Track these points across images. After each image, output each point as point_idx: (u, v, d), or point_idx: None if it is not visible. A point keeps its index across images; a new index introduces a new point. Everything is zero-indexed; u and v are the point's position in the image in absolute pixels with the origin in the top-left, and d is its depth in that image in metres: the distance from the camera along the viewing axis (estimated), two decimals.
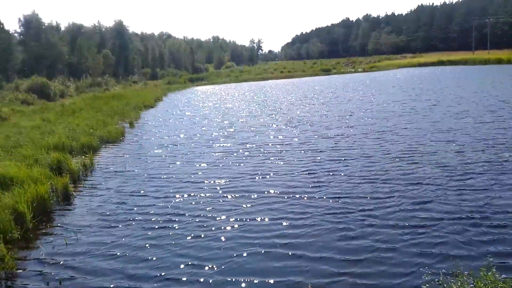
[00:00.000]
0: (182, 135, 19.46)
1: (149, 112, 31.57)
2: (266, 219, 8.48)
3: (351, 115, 22.20)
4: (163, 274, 6.49)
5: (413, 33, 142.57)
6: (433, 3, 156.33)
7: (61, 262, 7.20)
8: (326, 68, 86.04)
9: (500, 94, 27.36)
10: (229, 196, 10.00)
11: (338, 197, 9.44)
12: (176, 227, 8.29)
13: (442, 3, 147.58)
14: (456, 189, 9.49)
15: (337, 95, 34.87)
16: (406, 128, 17.46)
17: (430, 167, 11.37)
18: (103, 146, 17.67)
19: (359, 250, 6.90)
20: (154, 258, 7.03)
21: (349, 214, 8.41)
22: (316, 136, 16.95)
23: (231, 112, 27.58)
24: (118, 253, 7.29)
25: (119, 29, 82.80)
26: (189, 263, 6.79)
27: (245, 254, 7.02)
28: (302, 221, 8.25)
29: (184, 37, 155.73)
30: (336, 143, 15.35)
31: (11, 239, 7.95)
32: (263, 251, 7.09)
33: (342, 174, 11.24)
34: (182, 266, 6.74)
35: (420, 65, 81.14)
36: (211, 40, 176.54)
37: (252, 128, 20.13)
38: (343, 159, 12.94)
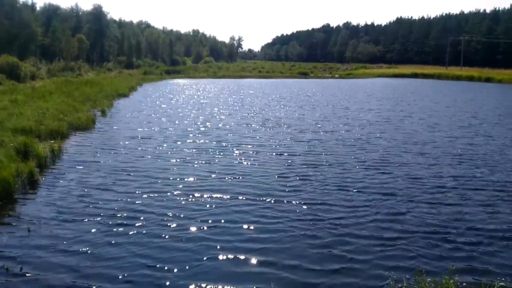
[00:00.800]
0: (154, 128, 19.19)
1: (122, 101, 31.06)
2: (234, 223, 8.19)
3: (326, 121, 22.33)
4: (119, 275, 6.24)
5: (390, 45, 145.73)
6: (411, 17, 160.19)
7: (21, 251, 7.02)
8: (304, 72, 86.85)
9: (471, 110, 28.41)
10: (197, 196, 9.67)
11: (310, 204, 9.32)
12: (139, 225, 7.99)
13: (420, 18, 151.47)
14: (427, 202, 9.54)
15: (314, 99, 35.22)
16: (380, 137, 17.59)
17: (403, 178, 11.43)
18: (73, 132, 17.30)
19: (328, 260, 6.82)
20: (113, 257, 6.75)
21: (321, 222, 8.29)
22: (290, 139, 16.88)
23: (206, 108, 27.46)
24: (76, 248, 7.01)
25: (97, 14, 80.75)
26: (148, 265, 6.50)
27: (208, 259, 6.74)
28: (271, 226, 8.09)
29: (163, 28, 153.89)
30: (310, 148, 15.26)
31: None
32: (227, 256, 6.83)
33: (315, 180, 11.13)
34: (140, 267, 6.44)
35: (395, 75, 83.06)
36: (191, 33, 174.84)
37: (226, 126, 19.97)
38: (316, 164, 12.83)
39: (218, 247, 7.16)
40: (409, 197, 9.92)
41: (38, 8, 79.03)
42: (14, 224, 8.12)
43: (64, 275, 6.25)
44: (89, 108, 23.39)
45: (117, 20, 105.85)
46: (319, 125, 20.66)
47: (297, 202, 9.42)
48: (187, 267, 6.48)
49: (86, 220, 8.24)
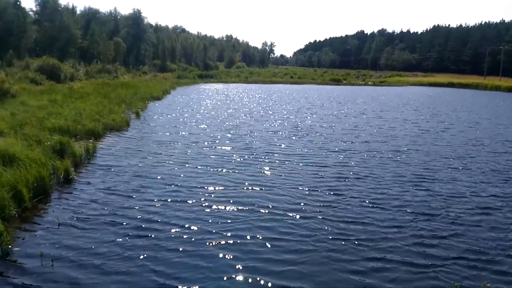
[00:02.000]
0: (183, 132, 19.12)
1: (156, 104, 31.61)
2: (256, 239, 7.63)
3: (359, 130, 21.46)
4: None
5: (426, 52, 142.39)
6: (449, 25, 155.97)
7: (55, 243, 7.26)
8: (336, 78, 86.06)
9: None
10: (220, 208, 9.19)
11: (341, 221, 8.63)
12: (157, 236, 7.59)
13: (458, 26, 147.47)
14: (469, 224, 8.72)
15: (346, 107, 34.66)
16: (417, 150, 16.50)
17: (443, 196, 10.53)
18: (107, 133, 17.71)
19: (358, 285, 6.26)
20: (125, 270, 6.42)
21: (351, 242, 7.61)
22: (320, 149, 16.07)
23: (237, 114, 27.40)
24: (95, 252, 6.99)
25: (136, 18, 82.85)
26: (161, 282, 6.15)
27: (226, 279, 6.26)
28: (297, 244, 7.48)
29: (198, 33, 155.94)
30: (341, 159, 14.37)
31: (8, 216, 7.96)
32: (246, 277, 6.31)
33: (346, 195, 10.35)
34: (152, 283, 6.14)
35: (431, 84, 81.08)
36: (224, 38, 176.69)
37: (255, 133, 19.44)
38: (348, 177, 12.03)
39: (238, 266, 6.64)
40: (450, 217, 9.09)
41: (78, 12, 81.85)
42: (48, 219, 8.34)
43: (91, 274, 6.33)
44: (124, 109, 23.91)
45: (154, 24, 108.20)
46: (352, 135, 19.85)
47: (327, 219, 8.72)
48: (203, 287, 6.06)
49: (110, 224, 8.09)
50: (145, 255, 6.84)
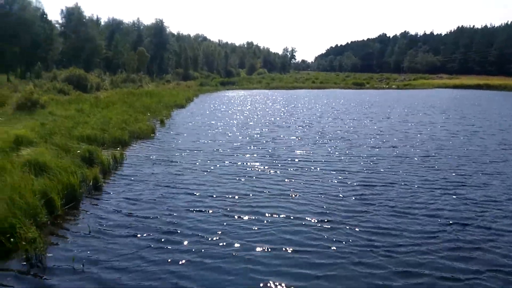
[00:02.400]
0: (207, 140, 19.06)
1: (180, 111, 31.93)
2: (281, 247, 7.54)
3: (386, 135, 20.95)
4: None
5: (451, 54, 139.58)
6: (473, 26, 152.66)
7: (86, 248, 7.43)
8: (359, 82, 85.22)
9: None
10: (242, 216, 9.10)
11: (368, 229, 8.40)
12: (180, 247, 7.54)
13: (483, 26, 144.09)
14: (508, 233, 8.34)
15: (371, 111, 34.16)
16: (447, 154, 15.98)
17: (476, 203, 10.16)
18: (134, 141, 17.96)
19: None
20: (151, 277, 6.51)
21: (379, 251, 7.41)
22: (346, 155, 15.68)
23: (259, 121, 27.29)
24: (128, 256, 7.17)
25: (158, 28, 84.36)
26: None
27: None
28: (323, 253, 7.34)
29: (219, 41, 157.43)
30: (368, 165, 14.03)
31: (41, 223, 8.14)
32: (270, 286, 6.30)
33: (374, 202, 10.08)
34: None
35: (456, 87, 79.28)
36: (245, 45, 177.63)
37: (278, 140, 19.20)
38: (376, 184, 11.70)
39: (262, 275, 6.58)
40: (484, 226, 8.69)
41: (102, 23, 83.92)
42: (78, 226, 8.49)
43: (120, 281, 6.43)
44: (149, 118, 24.23)
45: (176, 33, 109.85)
46: (378, 140, 19.38)
47: (353, 229, 8.44)
48: None
49: (137, 233, 8.16)
50: (168, 265, 6.90)
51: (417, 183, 11.94)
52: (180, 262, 6.96)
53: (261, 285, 6.32)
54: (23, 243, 7.01)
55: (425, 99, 48.82)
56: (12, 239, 7.16)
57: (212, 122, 25.72)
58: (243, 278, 6.49)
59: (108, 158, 13.24)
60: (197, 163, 14.16)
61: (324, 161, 14.74)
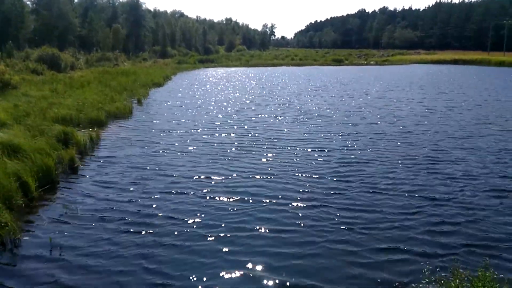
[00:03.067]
0: (186, 119, 18.91)
1: (157, 90, 31.48)
2: (261, 231, 7.39)
3: (364, 112, 20.99)
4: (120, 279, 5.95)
5: (429, 30, 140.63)
6: (451, 0, 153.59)
7: (63, 231, 7.36)
8: (338, 59, 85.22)
9: None
10: (220, 198, 8.92)
11: (349, 209, 8.33)
12: (157, 230, 7.41)
13: (460, 1, 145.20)
14: (486, 209, 8.40)
15: (350, 88, 34.33)
16: (426, 130, 16.23)
17: (455, 180, 10.20)
18: (111, 121, 17.69)
19: (368, 282, 5.95)
20: (119, 262, 6.39)
21: (364, 235, 7.25)
22: (326, 133, 15.64)
23: (238, 99, 27.14)
24: (105, 238, 7.14)
25: (134, 4, 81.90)
26: (154, 279, 5.96)
27: (229, 274, 6.05)
28: (304, 237, 7.17)
29: (197, 17, 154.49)
30: (347, 143, 13.96)
31: (15, 206, 8.03)
32: (253, 274, 6.07)
33: (354, 181, 10.05)
34: (146, 279, 5.97)
35: (434, 62, 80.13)
36: (224, 21, 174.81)
37: (257, 119, 18.98)
38: (355, 162, 11.71)
39: (239, 261, 6.40)
40: (462, 201, 8.79)
41: (75, 0, 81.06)
42: (54, 208, 8.43)
43: (97, 263, 6.42)
44: (126, 97, 23.82)
45: (152, 10, 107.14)
46: (357, 117, 19.39)
47: (332, 207, 8.42)
48: (195, 284, 5.84)
49: (111, 216, 8.03)
50: (144, 248, 6.77)
51: (396, 159, 12.04)
52: (157, 246, 6.85)
53: (240, 266, 6.27)
54: None
55: (403, 75, 49.31)
56: None
57: (190, 101, 25.47)
58: (221, 261, 6.41)
59: (84, 139, 13.04)
60: (175, 144, 14.03)
61: (303, 139, 14.78)
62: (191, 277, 5.98)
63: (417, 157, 12.37)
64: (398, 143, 14.22)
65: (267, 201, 8.81)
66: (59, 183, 9.87)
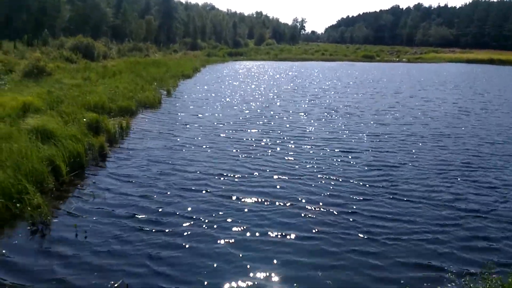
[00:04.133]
0: (212, 113, 18.87)
1: (186, 82, 31.73)
2: (281, 236, 6.95)
3: (396, 112, 20.00)
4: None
5: (465, 28, 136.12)
6: None
7: (89, 216, 7.53)
8: (370, 55, 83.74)
9: None
10: (243, 198, 8.52)
11: (379, 218, 7.76)
12: (170, 227, 7.14)
13: (499, 0, 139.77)
14: None
15: (381, 85, 33.61)
16: (462, 134, 15.35)
17: (495, 189, 9.49)
18: (141, 110, 17.95)
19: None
20: (127, 254, 6.29)
21: (392, 246, 6.71)
22: (355, 133, 14.95)
23: (266, 94, 26.90)
24: (129, 225, 7.30)
25: None
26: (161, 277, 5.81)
27: (243, 281, 5.71)
28: (327, 245, 6.71)
29: (227, 10, 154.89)
30: (378, 145, 13.32)
31: (47, 189, 8.25)
32: (269, 283, 5.71)
33: (384, 187, 9.39)
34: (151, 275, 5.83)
35: (469, 61, 77.60)
36: (254, 15, 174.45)
37: (286, 115, 18.43)
38: (386, 166, 11.01)
39: (255, 268, 6.03)
40: (502, 215, 8.03)
41: None
42: (83, 194, 8.60)
43: (120, 248, 6.54)
44: (155, 87, 24.11)
45: (184, 2, 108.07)
46: (387, 117, 18.58)
47: (359, 214, 7.87)
48: None
49: (135, 206, 8.06)
50: (161, 246, 6.55)
51: (428, 164, 11.31)
52: (173, 245, 6.63)
53: (254, 273, 5.91)
54: (29, 208, 7.12)
55: (436, 74, 47.95)
56: (18, 205, 7.27)
57: (216, 94, 25.54)
58: (234, 266, 6.08)
59: (115, 127, 13.27)
60: (198, 138, 13.73)
61: (330, 138, 14.18)
62: (200, 281, 5.73)
63: (452, 162, 11.58)
64: (431, 146, 13.42)
65: (288, 204, 8.34)
66: (88, 168, 10.08)
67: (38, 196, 7.50)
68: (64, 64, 30.41)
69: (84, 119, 12.99)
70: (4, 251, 6.23)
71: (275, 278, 5.84)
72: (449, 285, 5.73)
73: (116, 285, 5.53)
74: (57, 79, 22.21)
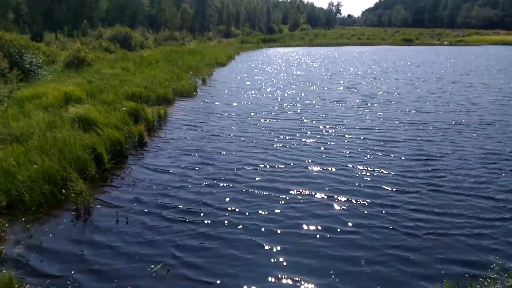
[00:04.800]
0: (249, 100, 18.83)
1: (221, 70, 31.86)
2: (317, 230, 6.64)
3: (437, 98, 18.93)
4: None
5: (510, 8, 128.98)
6: None
7: (129, 204, 7.69)
8: (409, 38, 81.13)
9: None
10: (279, 190, 8.19)
11: (423, 211, 7.30)
12: (204, 219, 6.98)
13: None
14: None
15: (421, 70, 32.43)
16: (510, 122, 14.28)
17: None
18: (177, 99, 18.17)
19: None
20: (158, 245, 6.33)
21: (437, 242, 6.30)
22: (394, 121, 14.21)
23: (301, 81, 26.52)
24: (169, 213, 7.43)
25: None
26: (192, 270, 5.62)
27: (278, 278, 5.48)
28: (367, 241, 6.36)
29: None
30: (419, 133, 12.56)
31: (89, 176, 8.52)
32: (307, 282, 5.36)
33: (425, 179, 8.81)
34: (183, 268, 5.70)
35: None
36: (288, 0, 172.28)
37: (321, 103, 17.85)
38: (427, 156, 10.34)
39: (291, 263, 5.81)
40: None
41: None
42: (123, 181, 8.80)
43: (160, 235, 6.64)
44: (191, 76, 24.33)
45: None
46: (429, 104, 17.57)
47: (401, 208, 7.43)
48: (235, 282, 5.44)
49: (178, 190, 8.22)
50: (201, 237, 6.48)
51: (474, 155, 10.53)
52: (208, 236, 6.55)
53: (287, 267, 5.71)
54: (72, 195, 7.38)
55: (480, 57, 45.82)
56: (63, 191, 7.54)
57: (251, 81, 25.48)
58: (271, 260, 5.89)
59: (153, 116, 13.50)
60: (234, 127, 13.70)
61: (368, 127, 13.47)
62: (234, 274, 5.59)
63: (500, 153, 10.68)
64: (476, 135, 12.56)
65: (324, 196, 7.97)
66: (129, 156, 10.32)
67: (81, 182, 7.74)
68: (103, 54, 31.19)
69: (124, 108, 13.28)
70: (50, 235, 6.49)
71: (310, 273, 5.57)
72: (493, 282, 5.40)
73: (156, 268, 5.64)
74: (97, 69, 22.82)
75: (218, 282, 5.43)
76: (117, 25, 44.35)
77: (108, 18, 61.56)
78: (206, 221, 7.02)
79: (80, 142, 9.17)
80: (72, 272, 5.56)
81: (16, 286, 5.02)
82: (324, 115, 15.50)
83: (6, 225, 6.61)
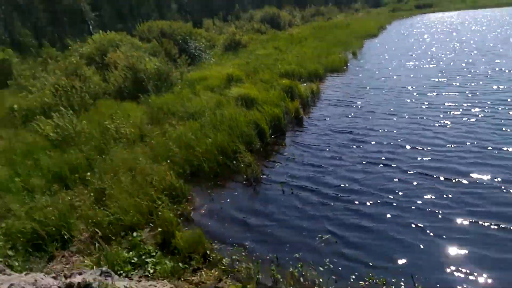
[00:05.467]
0: (406, 72, 17.66)
1: (372, 41, 30.63)
2: (483, 224, 5.90)
3: None
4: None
5: None
6: None
7: (290, 174, 8.22)
8: None
9: None
10: (437, 176, 7.37)
11: None
12: (359, 199, 6.89)
13: None
14: None
15: None
16: None
17: None
18: (327, 74, 18.24)
19: None
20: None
21: None
22: None
23: (467, 51, 23.08)
24: (327, 185, 7.68)
25: None
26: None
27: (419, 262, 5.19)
28: None
29: None
30: None
31: (255, 149, 9.32)
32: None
33: None
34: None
35: None
36: None
37: (492, 77, 14.87)
38: None
39: (440, 257, 5.37)
40: None
41: None
42: (284, 155, 9.39)
43: (321, 207, 6.93)
44: (340, 50, 24.01)
45: None
46: None
47: None
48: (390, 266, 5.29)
49: (335, 165, 8.37)
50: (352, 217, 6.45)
51: None
52: (373, 219, 6.40)
53: (457, 265, 5.18)
54: (242, 166, 8.20)
55: None
56: (234, 162, 8.44)
57: (405, 53, 23.82)
58: (428, 254, 5.46)
59: (306, 92, 13.87)
60: (387, 104, 12.80)
61: None
62: (395, 260, 5.41)
63: None
64: None
65: (495, 184, 6.95)
66: (287, 131, 10.90)
67: (249, 155, 8.54)
68: (256, 36, 32.87)
69: (279, 86, 13.94)
70: (228, 200, 7.40)
71: (494, 269, 5.02)
72: None
73: (324, 237, 5.96)
74: (251, 50, 24.26)
75: (384, 265, 5.32)
76: (265, 6, 46.04)
77: (256, 0, 64.27)
78: (368, 202, 6.82)
79: (244, 119, 10.04)
80: (248, 235, 6.26)
81: (205, 242, 5.89)
82: (499, 87, 13.20)
83: (192, 190, 7.74)
